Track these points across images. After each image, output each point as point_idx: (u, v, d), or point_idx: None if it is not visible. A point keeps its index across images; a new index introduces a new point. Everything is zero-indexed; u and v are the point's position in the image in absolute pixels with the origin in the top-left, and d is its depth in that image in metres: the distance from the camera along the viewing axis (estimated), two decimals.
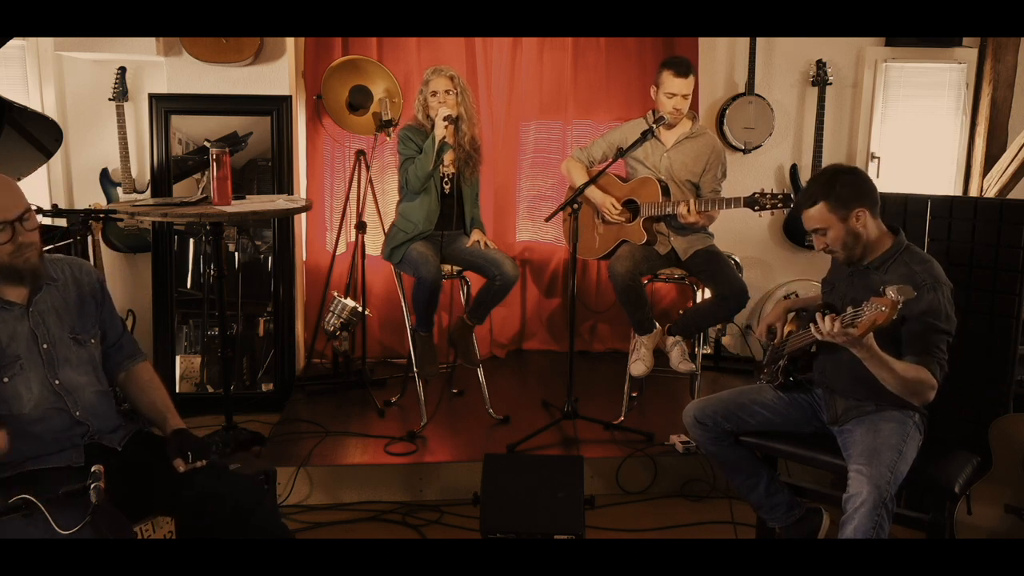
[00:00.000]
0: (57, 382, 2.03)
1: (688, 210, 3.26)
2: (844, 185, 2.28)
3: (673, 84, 3.35)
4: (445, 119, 3.27)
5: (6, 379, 1.96)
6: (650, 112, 3.52)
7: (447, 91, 3.36)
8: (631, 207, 3.50)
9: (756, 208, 3.17)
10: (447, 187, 3.47)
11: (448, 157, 3.41)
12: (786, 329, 2.55)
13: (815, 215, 2.31)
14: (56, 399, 2.02)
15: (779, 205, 3.14)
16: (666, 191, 3.42)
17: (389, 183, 4.29)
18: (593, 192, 3.49)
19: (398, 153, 3.48)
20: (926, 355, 2.25)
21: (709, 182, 3.45)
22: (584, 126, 4.38)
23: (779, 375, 2.52)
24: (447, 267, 3.48)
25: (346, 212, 4.07)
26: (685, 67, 3.37)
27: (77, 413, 2.04)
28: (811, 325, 2.32)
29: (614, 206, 3.47)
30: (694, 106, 3.75)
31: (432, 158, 3.31)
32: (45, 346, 2.03)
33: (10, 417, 1.94)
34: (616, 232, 3.53)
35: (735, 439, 2.54)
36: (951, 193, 4.22)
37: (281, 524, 2.17)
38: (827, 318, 2.19)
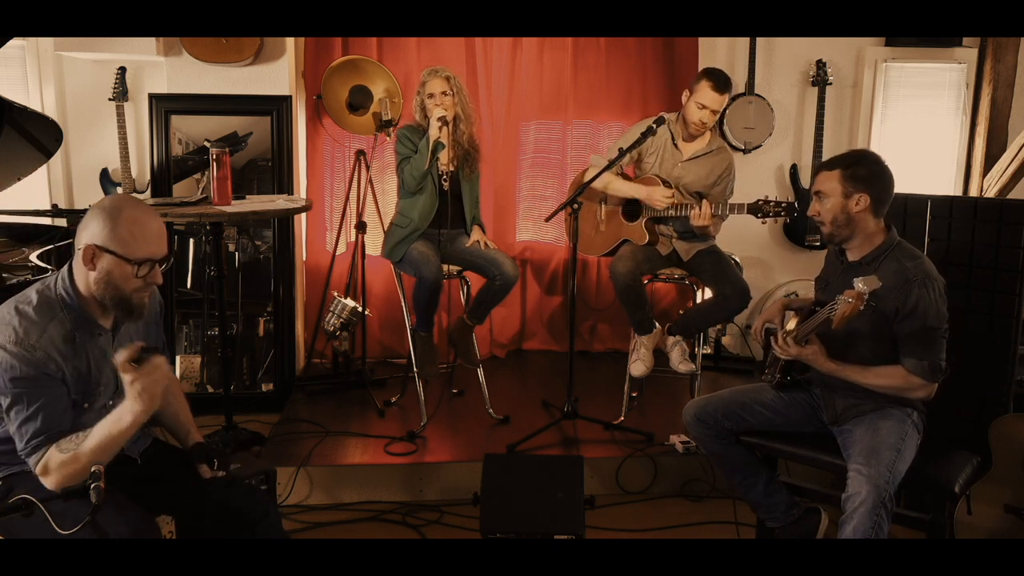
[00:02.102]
0: (111, 403, 2.00)
1: (700, 212, 3.21)
2: (865, 166, 2.31)
3: (708, 96, 3.27)
4: (439, 119, 3.31)
5: (86, 405, 1.94)
6: (675, 114, 3.47)
7: (443, 92, 3.38)
8: (633, 206, 3.50)
9: (759, 215, 3.11)
10: (445, 184, 3.48)
11: (445, 155, 3.43)
12: (786, 327, 2.55)
13: (825, 177, 2.35)
14: (101, 416, 2.00)
15: (782, 213, 3.10)
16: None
17: (389, 183, 4.29)
18: (634, 188, 3.41)
19: (395, 153, 3.49)
20: (920, 354, 2.26)
21: (716, 196, 3.42)
22: (584, 126, 4.39)
23: (777, 374, 2.52)
24: (447, 267, 3.49)
25: (346, 212, 4.07)
26: (725, 83, 3.28)
27: None
28: (772, 345, 2.40)
29: (663, 196, 3.33)
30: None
31: (427, 157, 3.33)
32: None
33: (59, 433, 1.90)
34: (617, 231, 3.53)
35: (735, 438, 2.54)
36: (951, 193, 4.22)
37: (284, 535, 2.18)
38: (777, 338, 2.32)
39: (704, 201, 3.24)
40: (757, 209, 3.13)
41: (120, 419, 1.81)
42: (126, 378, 1.78)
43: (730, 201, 3.34)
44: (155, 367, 1.80)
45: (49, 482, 1.83)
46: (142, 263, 1.88)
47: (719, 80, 3.27)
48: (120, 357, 1.78)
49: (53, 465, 1.83)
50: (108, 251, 1.86)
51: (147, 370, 1.78)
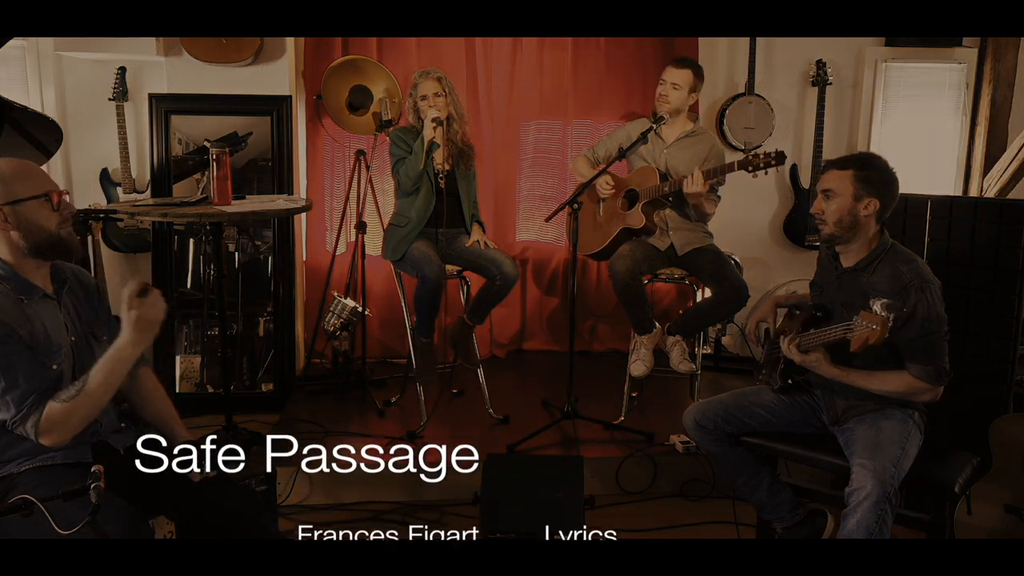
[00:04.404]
0: (72, 372, 2.01)
1: (692, 179, 3.25)
2: (878, 170, 2.29)
3: (666, 72, 3.47)
4: (433, 120, 3.32)
5: (55, 366, 1.96)
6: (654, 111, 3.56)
7: (436, 93, 3.40)
8: (631, 196, 3.52)
9: (750, 169, 3.20)
10: (442, 182, 3.49)
11: (440, 155, 3.43)
12: (779, 326, 2.55)
13: (835, 176, 2.31)
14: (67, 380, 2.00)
15: (772, 163, 3.16)
16: (663, 177, 3.46)
17: (389, 183, 4.28)
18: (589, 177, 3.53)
19: (390, 155, 3.50)
20: (923, 359, 2.25)
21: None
22: (584, 126, 4.38)
23: (777, 378, 2.51)
24: (448, 267, 3.49)
25: (346, 212, 4.07)
26: (684, 60, 3.50)
27: None
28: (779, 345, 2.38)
29: (608, 183, 3.53)
30: (694, 108, 3.77)
31: (422, 158, 3.35)
32: (73, 339, 2.04)
33: None
34: (619, 221, 3.53)
35: (736, 440, 2.54)
36: (951, 193, 4.22)
37: (280, 535, 2.17)
38: (785, 341, 2.30)
39: (696, 168, 3.30)
40: (747, 163, 3.20)
41: (121, 351, 1.91)
42: (131, 313, 1.88)
43: (721, 184, 3.41)
44: (156, 298, 1.93)
45: (53, 437, 1.87)
46: (50, 194, 1.95)
47: (679, 59, 3.53)
48: (126, 292, 1.89)
49: (57, 416, 1.87)
50: (17, 201, 1.91)
51: (150, 301, 1.91)
